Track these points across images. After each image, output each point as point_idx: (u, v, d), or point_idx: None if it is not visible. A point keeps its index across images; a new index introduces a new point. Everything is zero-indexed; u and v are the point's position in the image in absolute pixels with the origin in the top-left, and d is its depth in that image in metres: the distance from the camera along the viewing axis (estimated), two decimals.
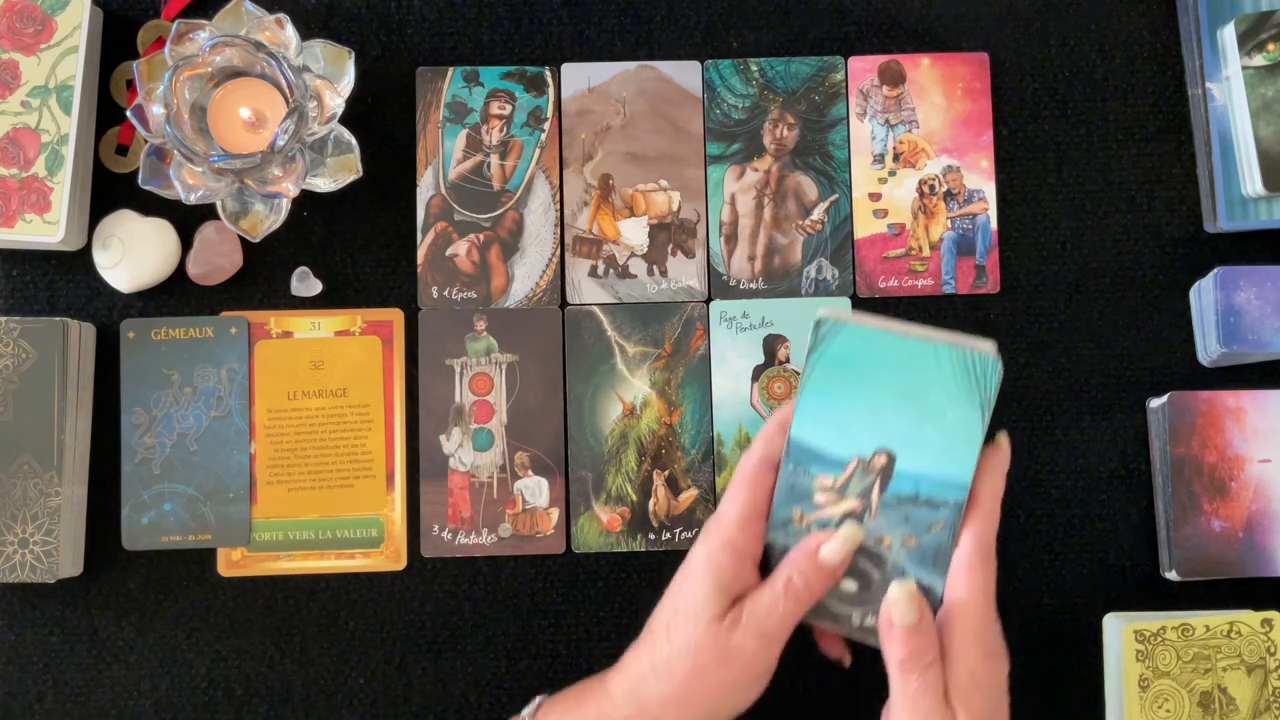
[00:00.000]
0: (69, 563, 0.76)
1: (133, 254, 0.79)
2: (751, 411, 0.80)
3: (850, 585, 0.64)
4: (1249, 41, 0.78)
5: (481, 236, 0.81)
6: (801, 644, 0.65)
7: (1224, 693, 0.72)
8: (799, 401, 0.64)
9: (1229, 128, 0.79)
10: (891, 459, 0.63)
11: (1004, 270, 0.81)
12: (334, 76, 0.76)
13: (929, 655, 0.61)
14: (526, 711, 0.67)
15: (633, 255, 0.81)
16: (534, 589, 0.79)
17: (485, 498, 0.79)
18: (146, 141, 0.75)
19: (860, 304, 0.80)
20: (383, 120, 0.82)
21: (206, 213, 0.80)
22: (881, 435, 0.63)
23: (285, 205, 0.76)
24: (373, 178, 0.79)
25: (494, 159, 0.81)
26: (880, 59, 0.82)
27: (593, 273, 0.81)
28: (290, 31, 0.75)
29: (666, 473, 0.80)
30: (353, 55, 0.76)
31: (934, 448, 0.62)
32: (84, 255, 0.80)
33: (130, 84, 0.81)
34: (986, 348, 0.62)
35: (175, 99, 0.73)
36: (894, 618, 0.61)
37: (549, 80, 0.82)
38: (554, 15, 0.83)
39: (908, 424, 0.63)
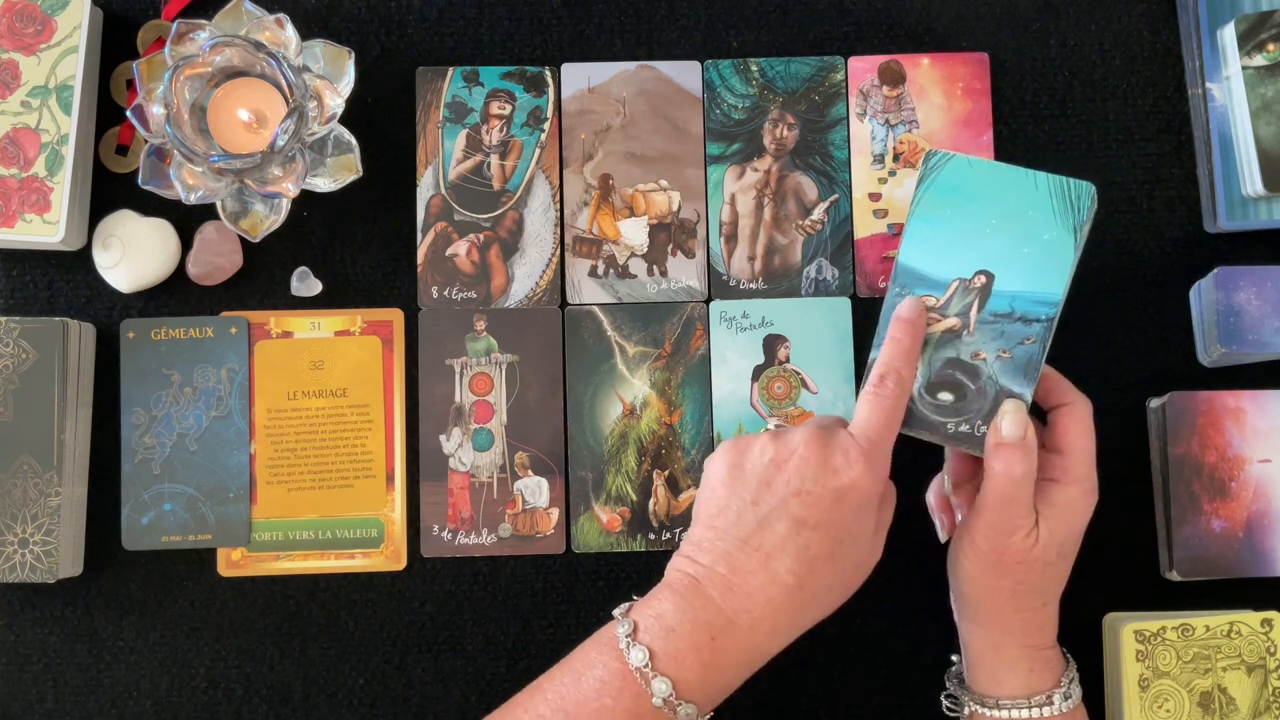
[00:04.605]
0: (69, 563, 0.76)
1: (133, 254, 0.79)
2: (751, 411, 0.80)
3: (947, 396, 0.69)
4: (1249, 41, 0.78)
5: (481, 236, 0.81)
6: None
7: (1224, 693, 0.72)
8: (907, 228, 0.71)
9: (1229, 128, 0.79)
10: (990, 279, 0.70)
11: None
12: (334, 76, 0.76)
13: (1024, 466, 0.66)
14: (618, 612, 0.66)
15: (633, 255, 0.81)
16: (534, 589, 0.79)
17: (485, 498, 0.79)
18: (146, 141, 0.75)
19: (860, 304, 0.80)
20: (383, 120, 0.82)
21: (206, 213, 0.80)
22: (981, 257, 0.70)
23: (285, 205, 0.76)
24: (373, 178, 0.79)
25: (494, 159, 0.81)
26: (880, 59, 0.82)
27: (593, 273, 0.81)
28: (290, 31, 0.75)
29: (666, 473, 0.80)
30: (353, 55, 0.76)
31: (1029, 267, 0.69)
32: (84, 255, 0.80)
33: (130, 84, 0.81)
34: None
35: (175, 99, 0.73)
36: (1003, 430, 0.67)
37: (549, 80, 0.82)
38: (554, 15, 0.83)
39: (1006, 246, 0.70)
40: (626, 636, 0.63)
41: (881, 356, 0.68)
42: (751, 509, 0.65)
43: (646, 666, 0.62)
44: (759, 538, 0.64)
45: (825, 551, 0.64)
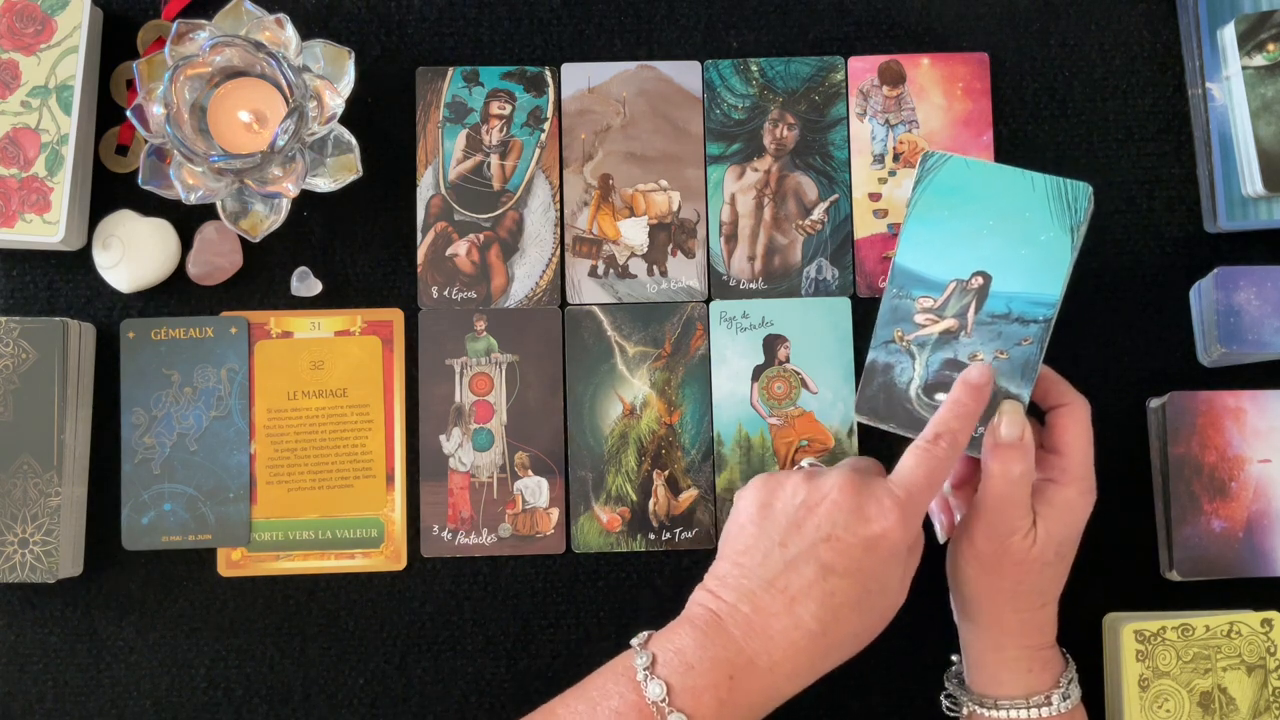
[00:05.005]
0: (69, 563, 0.76)
1: (133, 254, 0.79)
2: (751, 411, 0.80)
3: (944, 397, 0.69)
4: (1249, 41, 0.78)
5: (481, 236, 0.81)
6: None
7: (1224, 693, 0.72)
8: (904, 230, 0.71)
9: (1229, 128, 0.79)
10: (988, 280, 0.70)
11: None
12: (334, 76, 0.76)
13: (1021, 467, 0.67)
14: (636, 642, 0.66)
15: (633, 255, 0.81)
16: (534, 589, 0.79)
17: (485, 498, 0.79)
18: (146, 141, 0.75)
19: (860, 304, 0.80)
20: (383, 120, 0.82)
21: (206, 213, 0.80)
22: (979, 258, 0.70)
23: (285, 205, 0.76)
24: (373, 178, 0.79)
25: (494, 159, 0.81)
26: (880, 59, 0.82)
27: (593, 273, 0.81)
28: (290, 31, 0.75)
29: (666, 473, 0.80)
30: (353, 55, 0.76)
31: (1026, 268, 0.70)
32: (84, 255, 0.80)
33: (130, 84, 0.81)
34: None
35: (175, 99, 0.73)
36: (1000, 430, 0.67)
37: (549, 80, 0.82)
38: (554, 15, 0.83)
39: (1003, 247, 0.70)
40: (644, 669, 0.63)
41: (941, 416, 0.67)
42: (779, 550, 0.64)
43: (664, 701, 0.62)
44: (785, 580, 0.64)
45: (851, 600, 0.63)
